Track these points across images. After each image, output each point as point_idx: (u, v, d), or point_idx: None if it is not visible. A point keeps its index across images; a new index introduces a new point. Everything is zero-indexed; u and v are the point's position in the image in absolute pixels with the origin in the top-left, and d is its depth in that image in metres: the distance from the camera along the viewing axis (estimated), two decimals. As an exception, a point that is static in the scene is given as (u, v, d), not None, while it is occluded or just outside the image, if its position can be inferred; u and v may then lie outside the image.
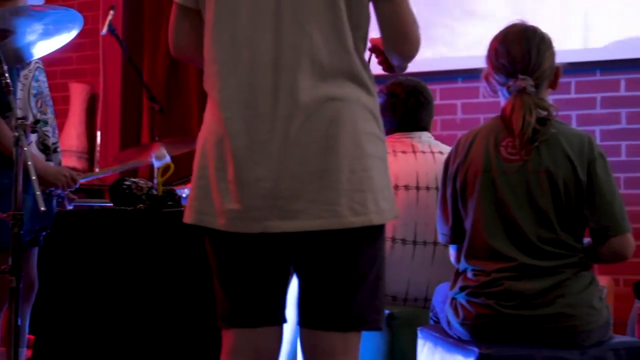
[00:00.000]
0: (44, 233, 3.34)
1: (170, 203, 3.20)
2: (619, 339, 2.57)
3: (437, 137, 3.29)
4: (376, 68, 2.17)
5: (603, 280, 3.99)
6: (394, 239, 3.01)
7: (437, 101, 4.09)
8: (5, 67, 2.59)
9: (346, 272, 1.98)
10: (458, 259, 2.62)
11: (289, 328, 2.51)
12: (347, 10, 1.95)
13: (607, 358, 2.45)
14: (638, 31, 4.75)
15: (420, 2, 4.83)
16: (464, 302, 2.51)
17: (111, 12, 4.24)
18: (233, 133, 1.95)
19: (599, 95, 4.81)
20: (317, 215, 1.92)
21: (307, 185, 1.92)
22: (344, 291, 1.99)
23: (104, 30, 4.16)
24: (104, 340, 3.05)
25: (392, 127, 3.18)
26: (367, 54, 2.10)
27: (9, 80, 2.58)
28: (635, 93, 4.74)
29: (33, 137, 3.34)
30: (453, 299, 2.57)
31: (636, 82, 4.75)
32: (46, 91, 3.46)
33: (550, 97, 2.62)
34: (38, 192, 2.51)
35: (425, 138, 3.19)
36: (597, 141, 4.56)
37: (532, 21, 2.63)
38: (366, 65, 2.01)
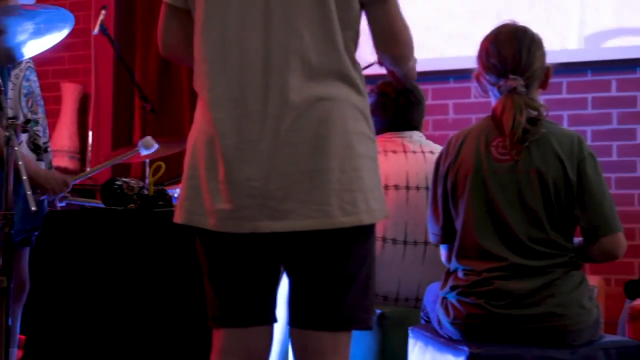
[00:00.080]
0: (35, 233, 3.33)
1: (161, 203, 3.20)
2: (609, 338, 2.57)
3: (429, 137, 3.29)
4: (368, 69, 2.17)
5: (594, 280, 4.00)
6: (384, 239, 3.01)
7: (429, 101, 4.09)
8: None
9: (336, 272, 1.98)
10: (449, 259, 2.62)
11: (280, 328, 2.51)
12: (337, 10, 1.95)
13: (597, 357, 2.46)
14: (629, 32, 4.77)
15: (413, 3, 4.88)
16: (454, 301, 2.52)
17: (103, 11, 4.25)
18: (223, 133, 1.95)
19: (590, 96, 4.83)
20: (308, 215, 1.92)
21: (297, 185, 1.92)
22: (334, 291, 1.99)
23: (96, 30, 4.17)
24: (95, 341, 3.04)
25: (383, 126, 3.18)
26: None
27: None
28: (627, 93, 4.76)
29: (24, 137, 3.33)
30: (444, 298, 2.57)
31: (627, 83, 4.77)
32: (37, 91, 3.45)
33: (542, 97, 2.62)
34: (29, 192, 2.51)
35: (416, 137, 3.19)
36: (589, 141, 4.64)
37: (523, 21, 2.63)
38: (356, 65, 2.01)
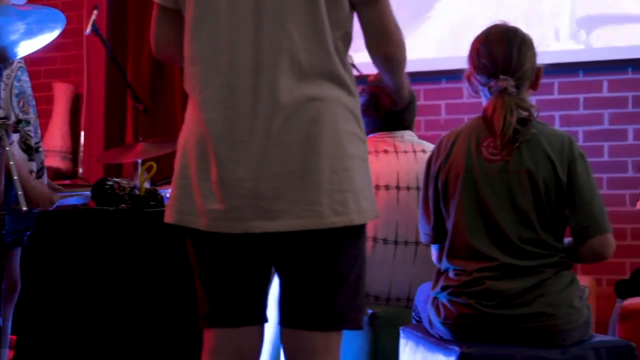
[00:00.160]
0: (27, 233, 3.33)
1: (152, 203, 3.20)
2: (599, 338, 2.58)
3: (421, 138, 3.29)
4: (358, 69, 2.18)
5: (585, 280, 4.01)
6: (375, 239, 3.01)
7: (421, 102, 4.11)
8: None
9: (327, 272, 1.99)
10: (440, 259, 2.63)
11: (271, 328, 2.51)
12: (327, 10, 1.96)
13: (587, 357, 2.46)
14: (621, 32, 4.78)
15: (405, 3, 4.89)
16: (445, 301, 2.52)
17: (95, 11, 4.24)
18: (214, 133, 1.95)
19: (581, 96, 4.84)
20: (299, 215, 1.92)
21: (288, 185, 1.92)
22: (325, 291, 1.99)
23: (88, 30, 4.16)
24: (86, 341, 3.04)
25: (375, 126, 3.18)
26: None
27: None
28: (618, 94, 4.77)
29: (15, 137, 3.33)
30: (435, 298, 2.57)
31: (619, 83, 4.78)
32: (29, 91, 3.45)
33: (534, 98, 2.63)
34: (20, 192, 2.51)
35: (407, 137, 3.18)
36: (580, 142, 4.65)
37: (515, 22, 2.64)
38: (347, 65, 2.01)
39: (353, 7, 2.03)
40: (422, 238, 2.70)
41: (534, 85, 2.61)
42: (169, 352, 2.95)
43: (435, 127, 4.97)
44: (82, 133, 6.04)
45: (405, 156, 3.11)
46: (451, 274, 2.54)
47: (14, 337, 3.25)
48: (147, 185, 3.29)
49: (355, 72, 2.11)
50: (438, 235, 2.62)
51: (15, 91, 3.35)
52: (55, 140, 5.99)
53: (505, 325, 2.43)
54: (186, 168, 2.01)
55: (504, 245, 2.46)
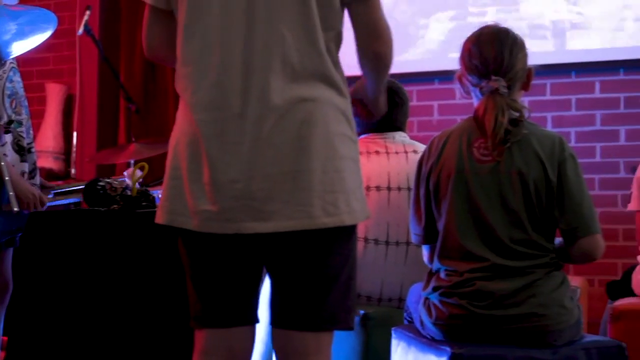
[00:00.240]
0: (20, 234, 3.32)
1: (144, 204, 3.20)
2: (590, 338, 2.59)
3: (413, 139, 3.29)
4: (350, 69, 2.18)
5: (577, 281, 4.02)
6: (366, 240, 3.02)
7: (413, 102, 4.11)
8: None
9: (318, 273, 1.99)
10: (431, 259, 2.63)
11: (263, 328, 2.52)
12: (318, 11, 1.96)
13: (578, 357, 2.47)
14: (613, 34, 4.79)
15: (398, 3, 4.90)
16: (436, 302, 2.52)
17: (87, 12, 4.24)
18: (206, 134, 1.95)
19: (574, 97, 4.85)
20: (290, 216, 1.93)
21: (280, 186, 1.92)
22: (316, 291, 1.99)
23: (80, 31, 4.16)
24: (78, 341, 3.04)
25: (366, 127, 3.18)
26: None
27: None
28: (610, 95, 4.78)
29: (8, 138, 3.33)
30: (426, 299, 2.58)
31: (611, 84, 4.79)
32: (21, 92, 3.44)
33: (526, 99, 2.64)
34: (12, 193, 2.51)
35: (399, 138, 3.19)
36: (572, 143, 4.66)
37: (508, 23, 2.64)
38: (338, 66, 2.02)
39: (343, 4, 2.03)
40: (413, 239, 2.71)
41: (526, 86, 2.61)
42: (160, 352, 2.95)
43: (428, 128, 4.97)
44: (75, 134, 6.04)
45: (396, 157, 3.11)
46: (442, 275, 2.54)
47: (5, 338, 3.24)
48: (138, 185, 3.29)
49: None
50: (429, 235, 2.62)
51: (7, 92, 3.34)
52: (47, 140, 5.98)
53: (497, 326, 2.44)
54: (177, 169, 2.01)
55: (495, 246, 2.47)
